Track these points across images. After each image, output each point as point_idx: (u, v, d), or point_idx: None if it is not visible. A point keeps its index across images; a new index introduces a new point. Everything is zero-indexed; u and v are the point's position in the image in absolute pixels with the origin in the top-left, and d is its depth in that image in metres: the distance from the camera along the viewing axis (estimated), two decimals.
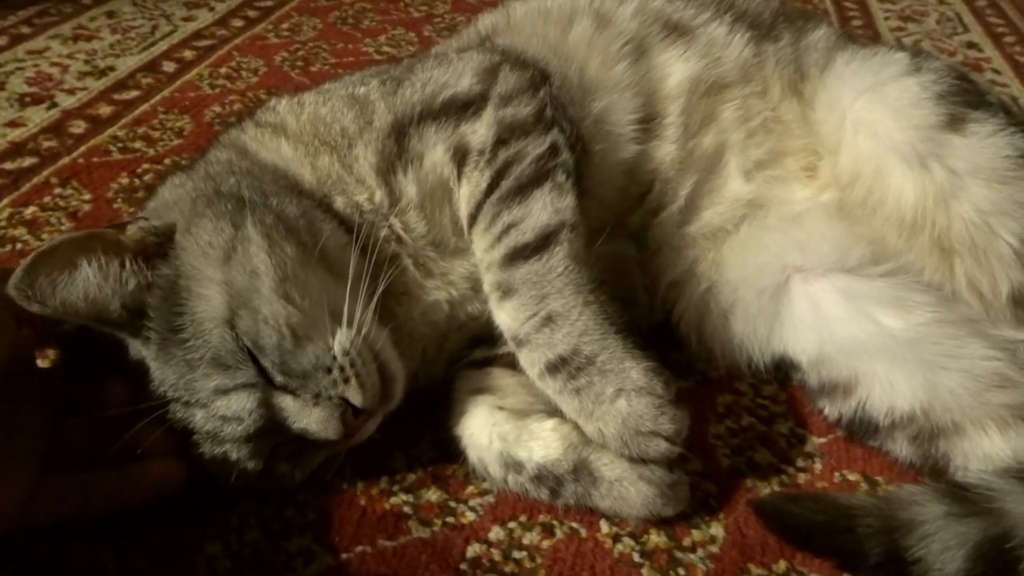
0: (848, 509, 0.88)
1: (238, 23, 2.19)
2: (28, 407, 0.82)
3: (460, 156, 0.99)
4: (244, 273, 0.84)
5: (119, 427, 0.84)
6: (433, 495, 0.95)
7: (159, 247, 0.86)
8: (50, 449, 0.83)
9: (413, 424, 1.00)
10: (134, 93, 1.79)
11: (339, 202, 0.97)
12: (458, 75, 1.04)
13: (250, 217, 0.87)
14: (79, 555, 0.87)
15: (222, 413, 0.83)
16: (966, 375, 0.98)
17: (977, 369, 0.98)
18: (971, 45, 2.31)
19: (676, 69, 1.12)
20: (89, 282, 0.81)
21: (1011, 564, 0.83)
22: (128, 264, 0.83)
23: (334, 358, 0.85)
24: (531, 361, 0.90)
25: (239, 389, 0.83)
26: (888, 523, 0.86)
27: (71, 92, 1.77)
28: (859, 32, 2.36)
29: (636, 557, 0.89)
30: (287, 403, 0.84)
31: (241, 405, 0.83)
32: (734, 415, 1.08)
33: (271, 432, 0.85)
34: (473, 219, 0.97)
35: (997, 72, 2.14)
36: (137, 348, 0.85)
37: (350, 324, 0.87)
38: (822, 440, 1.05)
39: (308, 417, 0.84)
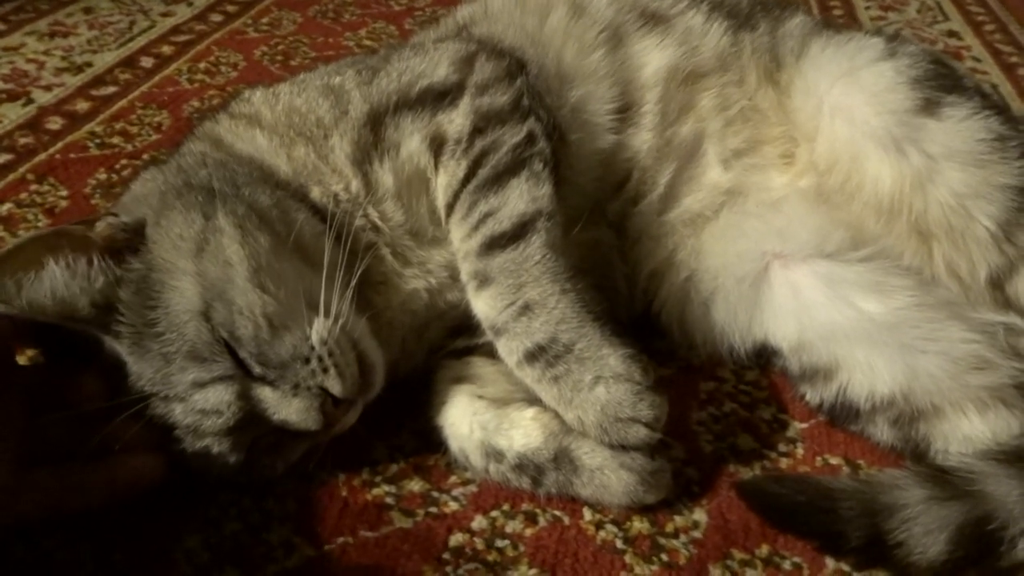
0: (830, 491, 0.89)
1: (217, 18, 2.18)
2: (5, 403, 0.82)
3: (437, 145, 0.99)
4: (217, 264, 0.83)
5: (97, 422, 0.83)
6: (416, 485, 0.95)
7: (129, 242, 0.85)
8: (28, 444, 0.82)
9: (395, 414, 1.00)
10: (112, 89, 1.77)
11: (315, 192, 0.97)
12: (435, 65, 1.04)
13: (221, 208, 0.87)
14: (56, 551, 0.86)
15: (201, 406, 0.83)
16: (945, 358, 0.98)
17: (956, 352, 0.98)
18: (951, 33, 2.32)
19: (653, 58, 1.12)
20: (56, 280, 0.81)
21: (992, 546, 0.84)
22: (96, 261, 0.83)
23: (312, 348, 0.84)
24: (509, 350, 0.90)
25: (217, 382, 0.82)
26: (870, 506, 0.86)
27: (48, 88, 1.75)
28: (840, 22, 2.37)
29: (619, 543, 0.89)
30: (266, 394, 0.84)
31: (220, 398, 0.82)
32: (716, 401, 1.08)
33: (251, 424, 0.85)
34: (450, 208, 0.97)
35: (977, 60, 2.15)
36: (111, 344, 0.84)
37: (327, 313, 0.86)
38: (804, 425, 1.05)
39: (288, 408, 0.84)
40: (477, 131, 0.98)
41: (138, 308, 0.82)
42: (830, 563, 0.88)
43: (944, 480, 0.87)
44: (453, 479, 0.96)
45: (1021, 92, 1.96)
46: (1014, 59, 2.15)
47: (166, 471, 0.87)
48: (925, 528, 0.84)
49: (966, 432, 0.95)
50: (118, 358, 0.84)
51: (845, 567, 0.87)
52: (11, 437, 0.81)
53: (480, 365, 0.99)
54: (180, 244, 0.84)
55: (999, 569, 0.85)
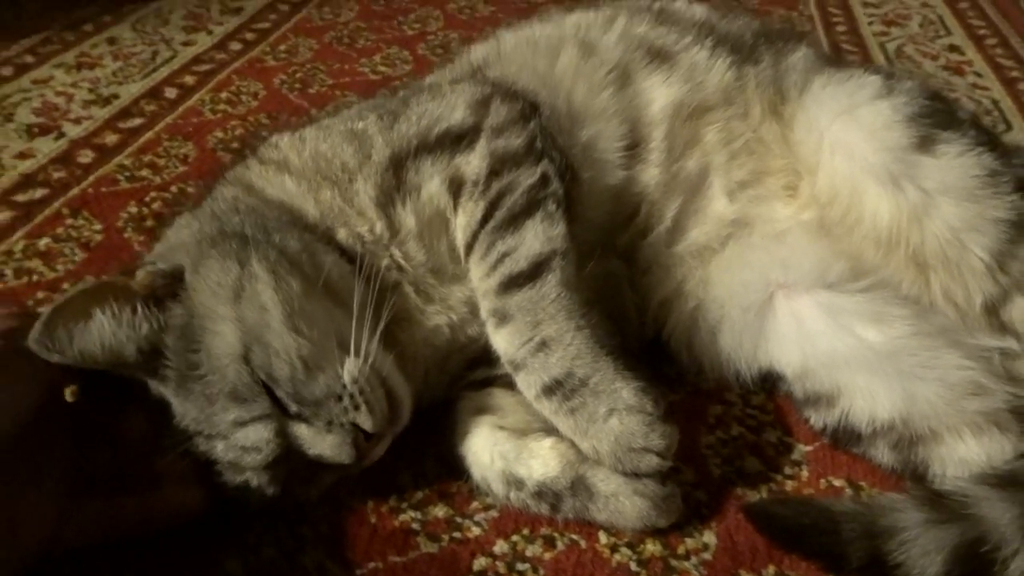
0: (833, 514, 0.93)
1: (236, 46, 2.24)
2: (55, 440, 0.87)
3: (456, 187, 1.04)
4: (254, 309, 0.89)
5: (142, 457, 0.89)
6: (440, 511, 1.01)
7: (169, 289, 0.91)
8: (77, 479, 0.88)
9: (419, 443, 1.04)
10: (138, 121, 1.84)
11: (342, 234, 1.02)
12: (451, 108, 1.09)
13: (255, 254, 0.92)
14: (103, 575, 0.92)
15: (242, 444, 0.88)
16: (941, 384, 1.03)
17: (952, 378, 1.03)
18: (953, 48, 2.35)
19: (660, 94, 1.17)
20: (104, 330, 0.86)
21: (986, 567, 0.88)
22: (140, 309, 0.88)
23: (344, 386, 0.90)
24: (528, 384, 0.95)
25: (256, 421, 0.88)
26: (870, 528, 0.91)
27: (77, 122, 1.82)
28: (843, 37, 2.42)
29: (633, 566, 0.94)
30: (302, 431, 0.89)
31: (259, 435, 0.88)
32: (724, 425, 1.13)
33: (288, 459, 0.90)
34: (469, 248, 1.02)
35: (979, 75, 2.18)
36: (156, 387, 0.90)
37: (357, 353, 0.92)
38: (809, 448, 1.10)
39: (322, 443, 0.89)
40: (494, 173, 1.04)
41: (181, 352, 0.88)
42: None
43: (941, 503, 0.92)
44: (475, 505, 1.01)
45: (1022, 107, 2.00)
46: (1015, 74, 2.18)
47: (206, 504, 0.92)
48: (923, 550, 0.88)
49: (962, 455, 1.00)
50: (163, 399, 0.89)
51: None
52: (59, 470, 0.87)
53: (500, 396, 1.04)
54: (218, 291, 0.90)
55: None
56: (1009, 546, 0.88)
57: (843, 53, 2.28)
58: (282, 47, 2.24)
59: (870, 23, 2.51)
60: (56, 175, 1.62)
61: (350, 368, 0.91)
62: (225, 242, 0.95)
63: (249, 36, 2.31)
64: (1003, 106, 2.01)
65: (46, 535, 0.85)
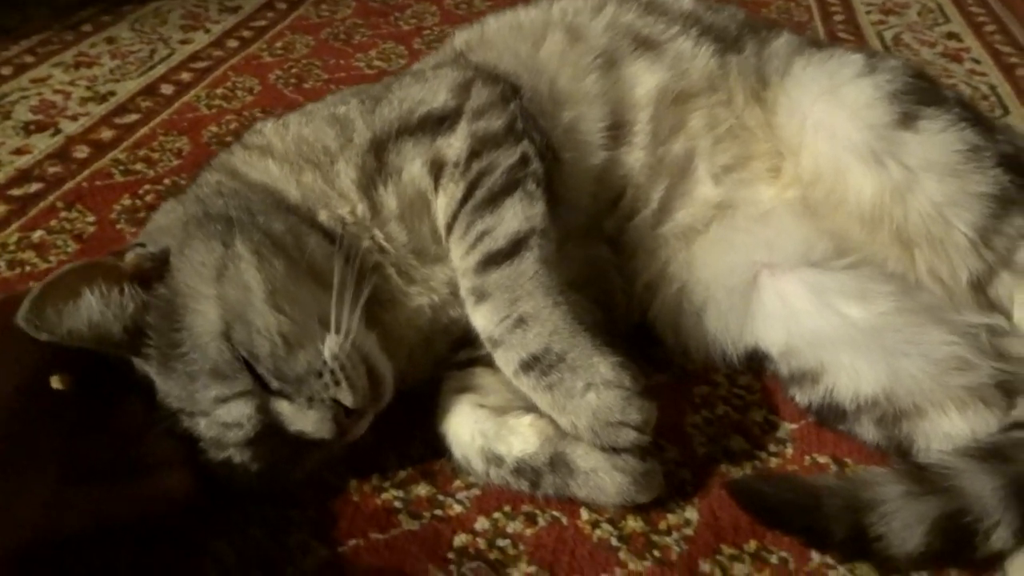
0: (815, 489, 0.93)
1: (233, 44, 2.26)
2: (43, 425, 0.88)
3: (437, 169, 1.05)
4: (236, 288, 0.90)
5: (130, 443, 0.90)
6: (422, 490, 1.01)
7: (156, 270, 0.92)
8: (67, 464, 0.88)
9: (403, 424, 1.05)
10: (134, 117, 1.85)
11: (323, 216, 1.03)
12: (433, 92, 1.10)
13: (239, 236, 0.93)
14: (93, 557, 0.92)
15: (223, 420, 0.89)
16: (926, 359, 1.02)
17: (936, 353, 1.03)
18: (951, 35, 2.35)
19: (644, 80, 1.18)
20: (92, 309, 0.87)
21: (967, 538, 0.88)
22: (127, 289, 0.89)
23: (325, 363, 0.90)
24: (506, 360, 0.96)
25: (237, 397, 0.88)
26: (852, 502, 0.90)
27: (74, 118, 1.83)
28: (840, 27, 2.41)
29: (614, 541, 0.94)
30: (283, 407, 0.90)
31: (240, 412, 0.88)
32: (710, 405, 1.13)
33: (270, 435, 0.90)
34: (450, 228, 1.03)
35: (976, 61, 2.18)
36: (141, 365, 0.91)
37: (338, 330, 0.92)
38: (794, 426, 1.10)
39: (304, 419, 0.90)
40: (474, 154, 1.04)
41: (164, 331, 0.89)
42: (816, 557, 0.92)
43: (922, 476, 0.91)
44: (458, 483, 1.01)
45: (1020, 93, 1.99)
46: (1014, 59, 2.18)
47: (198, 490, 0.93)
48: (904, 522, 0.88)
49: (946, 430, 0.99)
50: (148, 379, 0.90)
51: (830, 561, 0.92)
52: (51, 458, 0.87)
53: (482, 375, 1.05)
54: (202, 270, 0.91)
55: (975, 560, 0.89)
56: (991, 517, 0.87)
57: (841, 42, 2.27)
58: (279, 44, 2.26)
59: (868, 12, 2.51)
60: (51, 170, 1.64)
61: (330, 345, 0.91)
62: (210, 224, 0.96)
63: (246, 34, 2.33)
64: (1001, 91, 2.00)
65: (38, 524, 0.85)
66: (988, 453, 0.93)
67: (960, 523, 0.88)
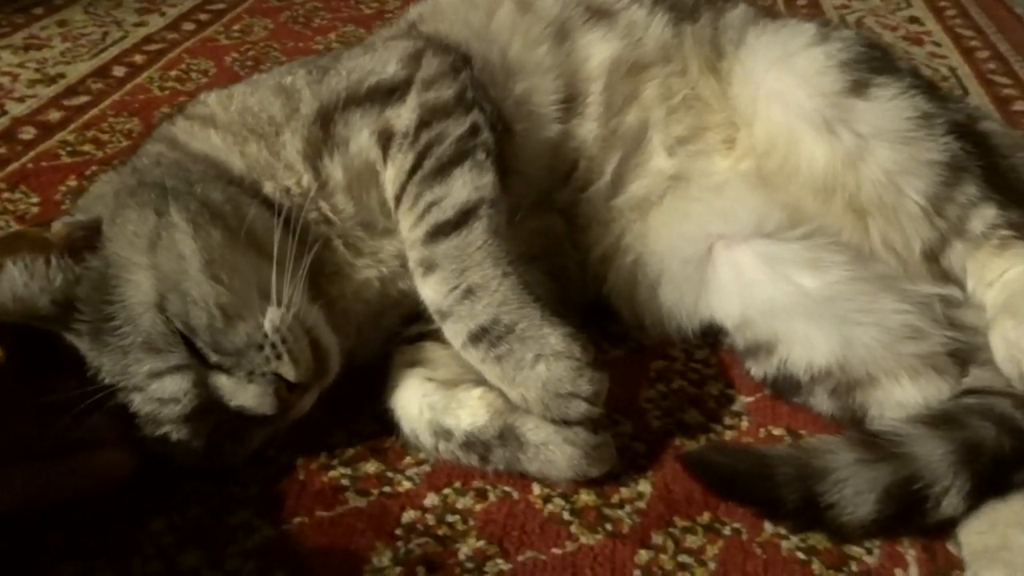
0: (767, 459, 0.93)
1: (189, 26, 2.21)
2: None
3: (385, 139, 1.03)
4: (171, 257, 0.87)
5: (63, 416, 0.87)
6: (371, 467, 0.99)
7: (87, 240, 0.89)
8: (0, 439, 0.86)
9: (353, 400, 1.03)
10: (84, 98, 1.80)
11: (268, 187, 1.01)
12: (383, 62, 1.08)
13: (174, 204, 0.90)
14: (25, 538, 0.90)
15: (158, 395, 0.86)
16: (878, 328, 1.02)
17: (889, 322, 1.02)
18: (913, 20, 2.37)
19: (597, 51, 1.17)
20: (16, 282, 0.84)
21: (918, 504, 0.88)
22: (55, 261, 0.86)
23: (265, 335, 0.88)
24: (454, 332, 0.94)
25: (172, 371, 0.86)
26: (803, 470, 0.90)
27: (21, 100, 1.78)
28: (804, 12, 2.42)
29: (566, 515, 0.93)
30: (222, 382, 0.87)
31: (176, 386, 0.86)
32: (666, 379, 1.12)
33: (209, 411, 0.88)
34: (398, 199, 1.01)
35: (937, 44, 2.20)
36: (71, 340, 0.87)
37: (279, 302, 0.90)
38: (750, 399, 1.09)
39: (244, 394, 0.87)
40: (423, 124, 1.02)
41: (96, 303, 0.86)
42: (768, 527, 0.92)
43: (873, 443, 0.91)
44: (408, 460, 0.99)
45: (979, 75, 2.01)
46: (973, 43, 2.20)
47: (135, 466, 0.90)
48: (855, 489, 0.88)
49: (899, 399, 0.99)
50: (78, 353, 0.87)
51: (782, 531, 0.91)
52: None
53: (432, 349, 1.03)
54: (134, 240, 0.88)
55: (926, 526, 0.89)
56: (941, 483, 0.87)
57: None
58: (236, 27, 2.22)
59: None
60: None
61: (272, 317, 0.89)
62: (143, 192, 0.93)
63: (203, 16, 2.28)
64: (960, 73, 2.02)
65: None
66: (939, 420, 0.93)
67: (911, 489, 0.88)
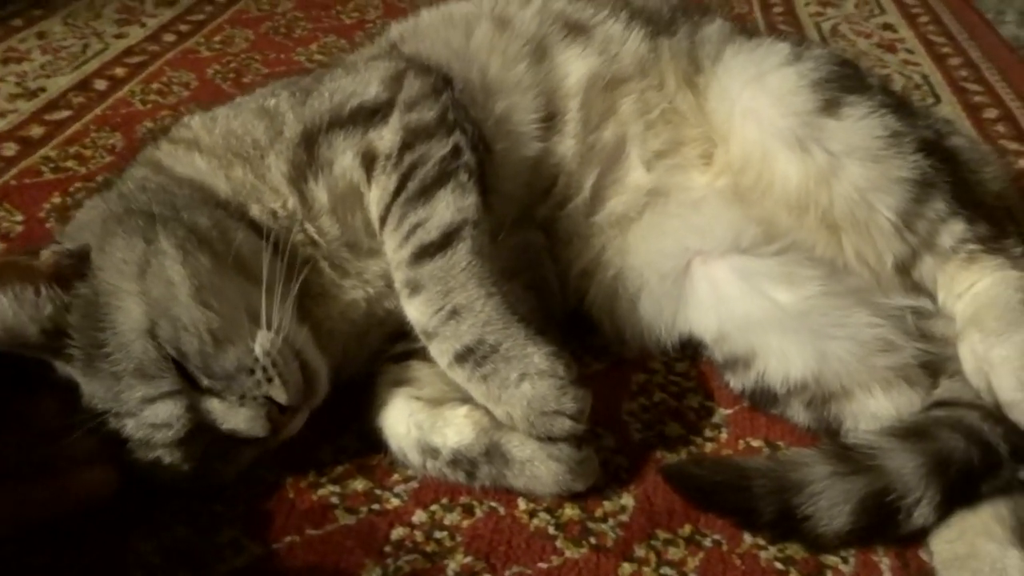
0: (745, 471, 0.95)
1: (170, 38, 2.21)
2: None
3: (369, 161, 1.04)
4: (160, 284, 0.88)
5: (50, 440, 0.88)
6: (359, 484, 1.00)
7: (75, 268, 0.90)
8: None
9: (340, 418, 1.05)
10: (65, 113, 1.80)
11: (254, 210, 1.02)
12: (365, 84, 1.09)
13: (162, 231, 0.91)
14: (11, 559, 0.91)
15: (151, 421, 0.87)
16: (852, 342, 1.05)
17: (862, 336, 1.05)
18: (887, 26, 2.40)
19: (575, 67, 1.18)
20: (5, 311, 0.85)
21: (891, 515, 0.91)
22: (44, 290, 0.87)
23: (256, 359, 0.89)
24: (440, 352, 0.96)
25: (164, 397, 0.87)
26: (780, 483, 0.93)
27: (2, 115, 1.78)
28: (779, 18, 2.45)
29: (551, 530, 0.95)
30: (214, 406, 0.89)
31: (169, 412, 0.87)
32: (647, 392, 1.15)
33: (201, 434, 0.89)
34: (383, 220, 1.02)
35: (910, 51, 2.23)
36: (62, 367, 0.88)
37: (269, 326, 0.91)
38: (729, 411, 1.12)
39: (235, 417, 0.88)
40: (406, 146, 1.04)
41: (87, 331, 0.87)
42: (747, 538, 0.94)
43: (848, 456, 0.94)
44: (395, 477, 1.01)
45: (951, 81, 2.05)
46: (946, 50, 2.24)
47: (118, 483, 0.91)
48: (830, 501, 0.90)
49: (873, 410, 1.02)
50: (71, 380, 0.88)
51: (761, 541, 0.94)
52: None
53: (417, 368, 1.04)
54: (123, 268, 0.89)
55: (899, 536, 0.92)
56: (912, 494, 0.90)
57: (780, 33, 2.31)
58: (217, 38, 2.22)
59: (806, 4, 2.56)
60: None
61: (262, 341, 0.90)
62: (131, 220, 0.94)
63: (183, 28, 2.28)
64: (932, 80, 2.06)
65: None
66: (910, 432, 0.96)
67: (884, 501, 0.91)
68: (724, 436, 1.08)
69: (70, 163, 1.62)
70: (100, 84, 1.94)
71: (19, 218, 1.45)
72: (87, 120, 1.78)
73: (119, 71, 2.01)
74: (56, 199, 1.50)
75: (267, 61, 2.09)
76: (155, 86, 1.94)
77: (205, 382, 0.88)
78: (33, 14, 2.32)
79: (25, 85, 1.92)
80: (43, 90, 1.89)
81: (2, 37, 2.17)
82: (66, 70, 2.00)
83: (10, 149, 1.65)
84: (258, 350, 0.90)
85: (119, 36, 2.21)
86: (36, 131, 1.73)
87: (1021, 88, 1.98)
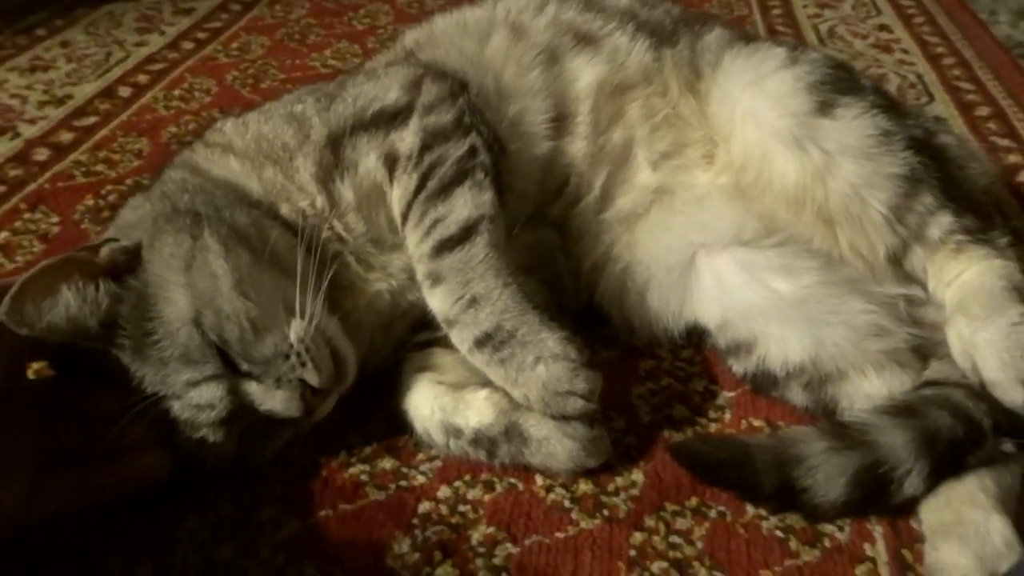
0: (747, 447, 1.01)
1: (188, 45, 2.29)
2: (22, 415, 0.92)
3: (391, 162, 1.11)
4: (205, 277, 0.95)
5: (105, 427, 0.95)
6: (387, 464, 1.07)
7: (128, 263, 0.97)
8: (45, 454, 0.93)
9: (367, 404, 1.12)
10: (93, 119, 1.88)
11: (285, 209, 1.09)
12: (385, 89, 1.16)
13: (207, 229, 0.98)
14: (70, 538, 0.98)
15: (196, 402, 0.94)
16: (847, 327, 1.11)
17: (856, 322, 1.11)
18: (883, 27, 2.46)
19: (584, 74, 1.25)
20: (70, 304, 0.91)
21: (883, 487, 0.97)
22: (102, 285, 0.94)
23: (291, 346, 0.96)
24: (461, 339, 1.03)
25: (208, 380, 0.93)
26: (780, 458, 0.99)
27: (32, 122, 1.86)
28: (778, 20, 2.52)
29: (567, 503, 1.02)
30: (253, 388, 0.95)
31: (212, 394, 0.94)
32: (654, 377, 1.21)
33: (241, 415, 0.96)
34: (405, 217, 1.10)
35: (905, 52, 2.29)
36: (116, 355, 0.95)
37: (302, 315, 0.98)
38: (731, 394, 1.18)
39: (272, 399, 0.95)
40: (425, 147, 1.11)
41: (137, 320, 0.93)
42: (750, 509, 1.00)
43: (842, 433, 1.00)
44: (420, 456, 1.08)
45: (944, 80, 2.10)
46: (940, 49, 2.30)
47: (170, 467, 0.98)
48: (827, 475, 0.96)
49: (866, 391, 1.08)
50: (123, 367, 0.94)
51: (763, 512, 1.00)
52: (28, 447, 0.92)
53: (440, 355, 1.11)
54: (172, 262, 0.96)
55: (891, 506, 0.98)
56: (903, 466, 0.96)
57: (778, 35, 2.38)
58: (234, 45, 2.30)
59: (804, 6, 2.62)
60: (12, 173, 1.67)
61: (296, 329, 0.97)
62: (179, 218, 1.01)
63: (201, 35, 2.36)
64: (927, 79, 2.11)
65: (21, 512, 0.90)
66: (901, 410, 1.02)
67: (877, 473, 0.96)
68: (727, 417, 1.15)
69: (100, 167, 1.69)
70: (124, 91, 2.01)
71: (55, 219, 1.53)
72: (114, 126, 1.85)
73: (142, 78, 2.09)
74: (89, 201, 1.58)
75: (283, 67, 2.17)
76: (177, 92, 2.01)
77: (245, 367, 0.95)
78: (55, 24, 2.40)
79: (52, 93, 2.00)
80: (70, 97, 1.97)
81: (27, 46, 2.25)
82: (91, 78, 2.08)
83: (42, 154, 1.73)
84: (293, 337, 0.97)
85: (140, 44, 2.29)
86: (66, 137, 1.80)
87: (1012, 87, 2.04)
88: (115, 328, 0.94)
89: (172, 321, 0.93)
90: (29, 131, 1.82)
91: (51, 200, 1.58)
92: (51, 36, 2.32)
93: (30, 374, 1.06)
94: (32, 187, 1.62)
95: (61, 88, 2.02)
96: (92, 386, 0.97)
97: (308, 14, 2.52)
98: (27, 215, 1.53)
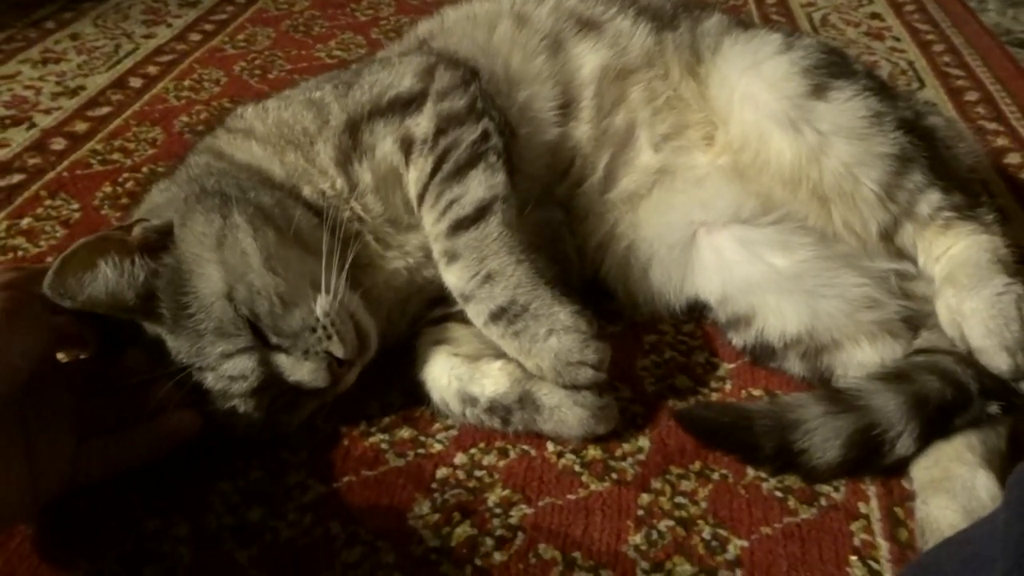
0: (747, 413, 1.07)
1: (196, 37, 2.33)
2: (60, 393, 0.98)
3: (407, 146, 1.16)
4: (235, 254, 1.00)
5: (141, 394, 1.00)
6: (406, 433, 1.13)
7: (160, 241, 1.02)
8: (82, 423, 0.99)
9: (385, 377, 1.17)
10: (106, 109, 1.92)
11: (307, 191, 1.14)
12: (400, 76, 1.22)
13: (235, 208, 1.03)
14: (109, 501, 1.03)
15: (229, 373, 0.99)
16: (841, 300, 1.17)
17: (849, 294, 1.17)
18: (874, 15, 2.52)
19: (588, 59, 1.30)
20: (108, 278, 0.96)
21: (877, 448, 1.02)
22: (137, 260, 0.99)
23: (317, 319, 1.01)
24: (476, 313, 1.08)
25: (240, 352, 0.99)
26: (779, 422, 1.04)
27: (47, 112, 1.90)
28: (772, 9, 2.57)
29: (577, 468, 1.07)
30: (282, 360, 1.01)
31: (244, 365, 0.99)
32: (658, 350, 1.27)
33: (270, 386, 1.01)
34: (421, 198, 1.15)
35: (896, 39, 2.35)
36: (152, 327, 1.00)
37: (327, 291, 1.04)
38: (732, 365, 1.24)
39: (300, 370, 1.01)
40: (440, 132, 1.16)
41: (172, 295, 0.99)
42: (751, 472, 1.06)
43: (837, 398, 1.05)
44: (437, 426, 1.13)
45: (935, 68, 2.16)
46: (930, 37, 2.35)
47: (200, 424, 1.03)
48: (823, 437, 1.02)
49: (860, 360, 1.14)
50: (159, 338, 1.00)
51: (763, 474, 1.06)
52: (67, 419, 0.98)
53: (455, 329, 1.17)
54: (204, 240, 1.01)
55: (883, 466, 1.04)
56: (895, 428, 1.02)
57: (773, 23, 2.43)
58: (240, 36, 2.34)
59: None
60: (31, 161, 1.71)
61: (322, 303, 1.02)
62: (208, 199, 1.06)
63: (208, 27, 2.40)
64: (917, 66, 2.17)
65: (64, 478, 0.95)
66: (893, 376, 1.08)
67: (870, 435, 1.02)
68: (728, 387, 1.20)
69: (116, 155, 1.74)
70: (135, 82, 2.06)
71: (75, 206, 1.57)
72: (127, 116, 1.89)
73: (152, 69, 2.13)
74: (107, 188, 1.62)
75: (290, 58, 2.21)
76: (187, 83, 2.05)
77: (274, 339, 1.00)
78: (64, 17, 2.44)
79: (65, 84, 2.04)
80: (83, 88, 2.01)
81: (37, 39, 2.29)
82: (102, 69, 2.12)
83: (59, 143, 1.78)
84: (319, 311, 1.02)
85: (148, 36, 2.33)
86: (80, 127, 1.85)
87: (1000, 73, 2.10)
88: (152, 300, 0.99)
89: (206, 296, 0.98)
90: (45, 121, 1.87)
91: (70, 187, 1.62)
92: (60, 29, 2.36)
93: (61, 357, 1.11)
94: (51, 175, 1.66)
95: (73, 79, 2.06)
96: (125, 352, 1.02)
97: (311, 6, 2.57)
98: (48, 202, 1.58)
